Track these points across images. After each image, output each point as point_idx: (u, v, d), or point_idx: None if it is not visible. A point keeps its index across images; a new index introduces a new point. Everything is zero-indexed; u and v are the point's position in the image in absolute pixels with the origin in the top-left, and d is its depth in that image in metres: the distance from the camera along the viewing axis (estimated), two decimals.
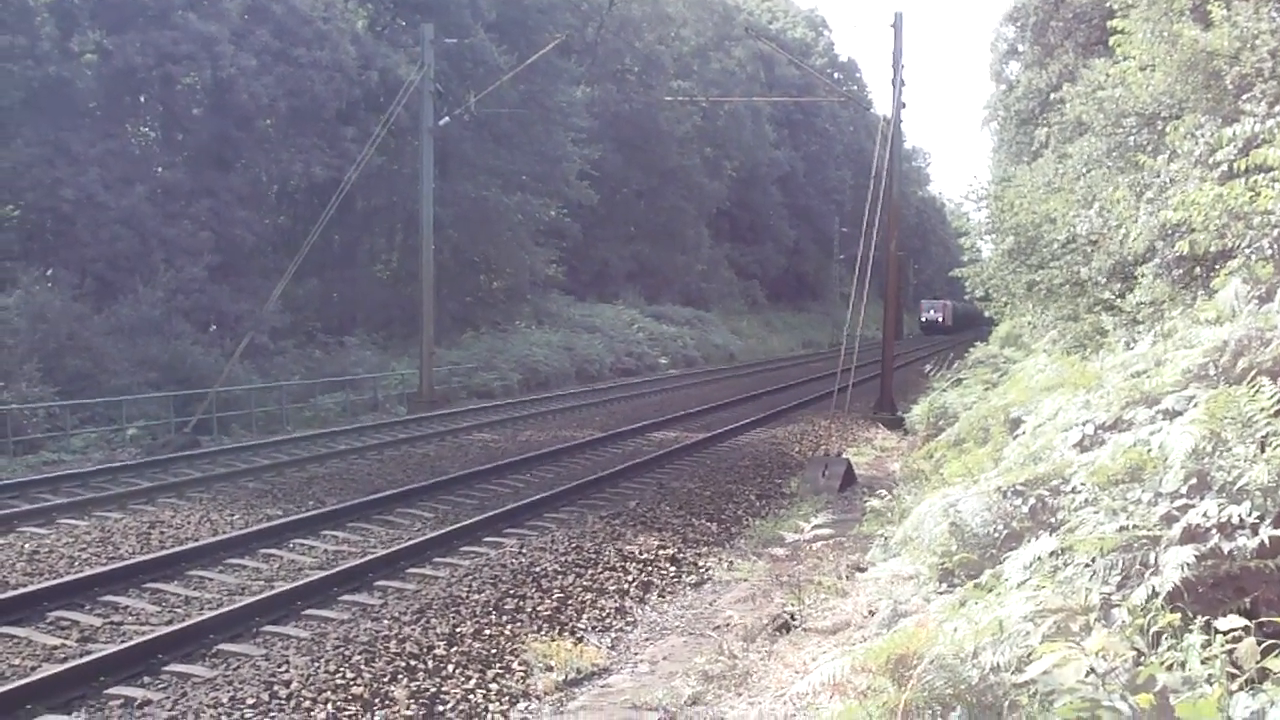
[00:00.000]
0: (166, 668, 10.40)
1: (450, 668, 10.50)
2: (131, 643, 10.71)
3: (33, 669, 10.27)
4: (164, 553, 14.54)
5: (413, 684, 9.98)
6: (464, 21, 45.08)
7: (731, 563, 15.36)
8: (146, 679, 10.15)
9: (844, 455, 22.97)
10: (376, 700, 9.58)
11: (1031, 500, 8.41)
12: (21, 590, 12.58)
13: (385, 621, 11.78)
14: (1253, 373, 7.59)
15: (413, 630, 11.45)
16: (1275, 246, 10.61)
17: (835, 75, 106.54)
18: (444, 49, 36.90)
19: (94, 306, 30.33)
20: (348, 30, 39.99)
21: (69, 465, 22.42)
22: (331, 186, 33.61)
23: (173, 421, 26.78)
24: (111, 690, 9.78)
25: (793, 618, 11.50)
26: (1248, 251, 10.91)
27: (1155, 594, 5.89)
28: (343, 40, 38.50)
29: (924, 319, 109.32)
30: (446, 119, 35.73)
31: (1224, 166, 12.60)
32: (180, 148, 37.65)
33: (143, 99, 37.21)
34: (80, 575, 13.30)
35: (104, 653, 10.39)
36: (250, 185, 37.84)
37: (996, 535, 8.42)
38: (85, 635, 11.44)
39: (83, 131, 32.84)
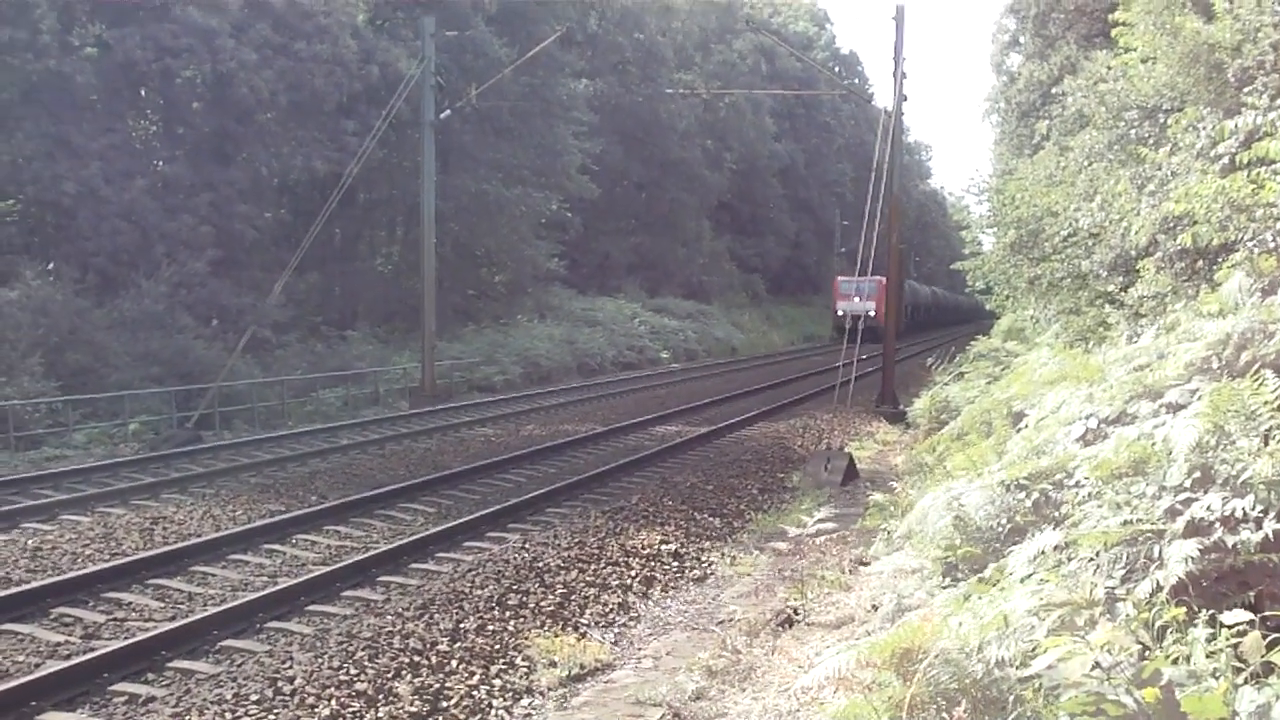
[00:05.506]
0: (170, 664, 10.38)
1: (454, 663, 10.47)
2: (135, 639, 10.71)
3: (36, 666, 10.26)
4: (167, 548, 14.52)
5: (416, 680, 9.96)
6: (464, 14, 45.01)
7: (734, 557, 15.33)
8: (150, 675, 10.14)
9: (846, 449, 23.00)
10: (380, 696, 9.56)
11: (1035, 494, 8.41)
12: (25, 587, 12.56)
13: (389, 617, 11.78)
14: (1256, 366, 7.59)
15: (416, 626, 11.45)
16: (1278, 239, 10.61)
17: (836, 68, 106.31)
18: (444, 42, 36.81)
19: (95, 301, 30.37)
20: (348, 24, 39.98)
21: (71, 461, 22.37)
22: (332, 180, 33.68)
23: (175, 416, 26.73)
24: (116, 687, 9.78)
25: (796, 612, 11.50)
26: (1250, 244, 10.91)
27: (1160, 588, 5.90)
28: (343, 34, 38.49)
29: (840, 311, 66.58)
30: (447, 112, 35.59)
31: (1226, 159, 12.61)
32: (181, 141, 37.59)
33: (143, 93, 37.20)
34: (83, 572, 13.27)
35: (108, 649, 10.36)
36: (251, 179, 37.78)
37: (1000, 529, 8.42)
38: (89, 632, 11.42)
39: (83, 125, 32.80)
